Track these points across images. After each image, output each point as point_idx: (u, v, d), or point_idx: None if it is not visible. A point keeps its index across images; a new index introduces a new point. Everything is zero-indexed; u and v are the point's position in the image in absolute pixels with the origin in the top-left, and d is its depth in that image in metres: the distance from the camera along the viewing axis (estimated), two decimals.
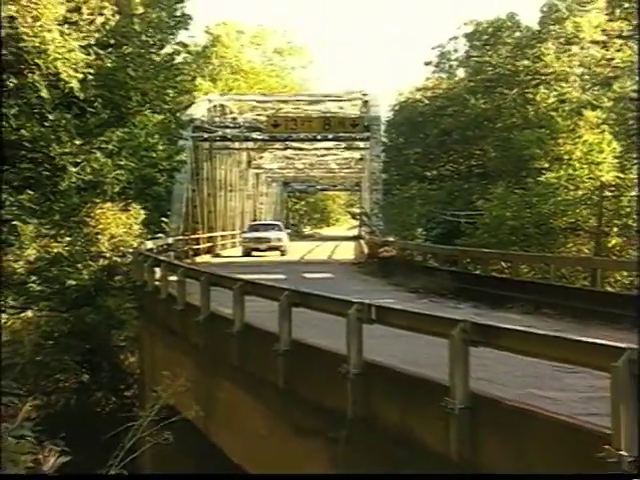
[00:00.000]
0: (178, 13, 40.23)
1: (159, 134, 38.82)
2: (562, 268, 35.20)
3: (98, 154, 33.38)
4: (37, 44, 28.78)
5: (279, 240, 56.77)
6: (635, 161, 44.28)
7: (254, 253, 54.29)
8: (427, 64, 72.10)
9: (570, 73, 58.21)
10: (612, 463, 8.24)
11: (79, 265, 37.51)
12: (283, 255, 55.02)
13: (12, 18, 28.46)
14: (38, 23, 28.74)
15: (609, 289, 30.99)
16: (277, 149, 72.65)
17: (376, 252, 43.02)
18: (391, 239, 44.99)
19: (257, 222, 70.09)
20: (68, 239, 37.61)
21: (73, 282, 36.81)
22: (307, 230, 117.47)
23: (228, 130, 58.08)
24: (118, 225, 39.71)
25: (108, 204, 38.23)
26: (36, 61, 28.95)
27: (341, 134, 57.24)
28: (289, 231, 70.08)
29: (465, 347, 10.70)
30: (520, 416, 9.90)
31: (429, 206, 59.16)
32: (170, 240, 43.50)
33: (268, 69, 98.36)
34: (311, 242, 79.49)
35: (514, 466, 9.75)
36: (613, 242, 43.07)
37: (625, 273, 36.65)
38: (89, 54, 30.29)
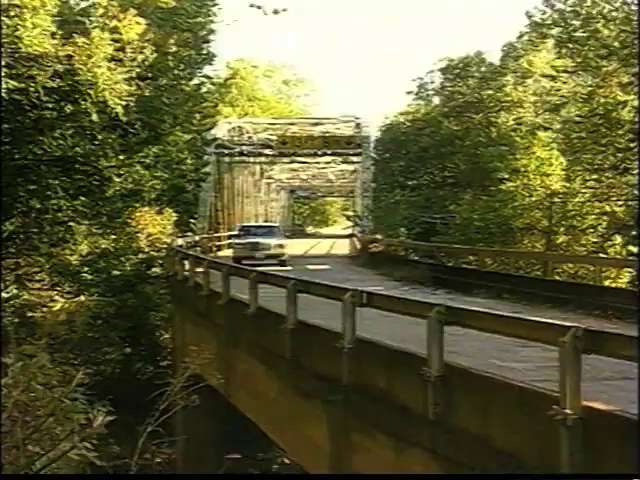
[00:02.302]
0: (204, 52, 40.32)
1: (188, 150, 38.90)
2: (519, 261, 35.19)
3: (138, 167, 33.42)
4: (89, 77, 28.80)
5: (280, 247, 38.89)
6: (579, 173, 44.28)
7: (245, 262, 34.19)
8: (409, 93, 71.96)
9: (525, 101, 58.14)
10: (559, 420, 8.28)
11: (122, 258, 37.66)
12: (283, 266, 35.34)
13: (69, 56, 28.49)
14: (91, 60, 28.75)
15: (557, 278, 30.95)
16: (285, 163, 72.56)
17: (366, 248, 43.03)
18: (379, 237, 44.99)
19: (250, 224, 51.82)
20: (113, 237, 37.76)
21: (118, 272, 36.97)
22: (310, 229, 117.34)
23: (245, 147, 58.06)
24: (154, 225, 39.90)
25: (146, 208, 38.42)
26: (88, 91, 28.96)
27: (338, 150, 57.32)
28: (288, 235, 51.11)
29: (440, 326, 10.72)
30: (485, 382, 9.91)
31: (410, 210, 58.99)
32: (197, 238, 43.48)
33: (278, 97, 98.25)
34: (313, 240, 79.33)
35: (480, 423, 9.75)
36: (561, 239, 43.03)
37: (570, 265, 36.64)
38: (131, 85, 30.29)
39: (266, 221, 70.73)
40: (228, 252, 47.66)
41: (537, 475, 8.54)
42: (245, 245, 38.39)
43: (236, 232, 43.31)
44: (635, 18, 36.60)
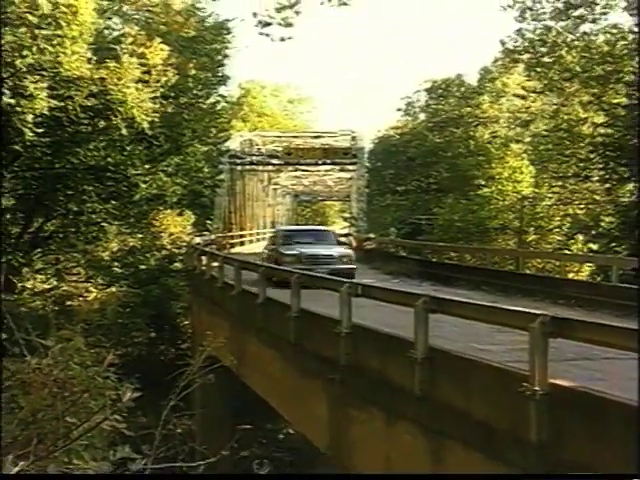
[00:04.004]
0: (219, 74, 40.38)
1: (205, 160, 38.91)
2: (495, 257, 35.18)
3: (161, 174, 33.47)
4: (120, 97, 28.87)
5: (348, 259, 24.93)
6: (546, 180, 44.28)
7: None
8: (398, 110, 71.75)
9: (500, 117, 58.10)
10: (529, 395, 8.29)
11: (148, 254, 37.78)
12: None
13: (102, 79, 28.59)
14: (121, 82, 28.80)
15: (527, 272, 30.91)
16: (290, 171, 72.32)
17: (361, 245, 42.95)
18: (372, 236, 44.99)
19: (295, 228, 40.77)
20: (140, 236, 37.88)
21: (144, 267, 37.08)
22: None
23: (254, 157, 57.91)
24: (175, 226, 39.96)
25: (168, 211, 38.48)
26: (118, 109, 29.01)
27: (336, 160, 57.13)
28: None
29: (425, 314, 10.72)
30: (464, 362, 9.92)
31: (399, 212, 58.96)
32: (213, 237, 43.41)
33: (283, 113, 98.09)
34: None
35: (460, 398, 9.75)
36: (530, 238, 43.02)
37: (539, 260, 36.65)
38: (156, 103, 30.34)
39: (277, 222, 70.26)
40: (240, 249, 47.61)
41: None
42: (299, 258, 23.89)
43: (274, 237, 28.57)
44: (593, 46, 36.70)
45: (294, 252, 24.49)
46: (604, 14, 36.39)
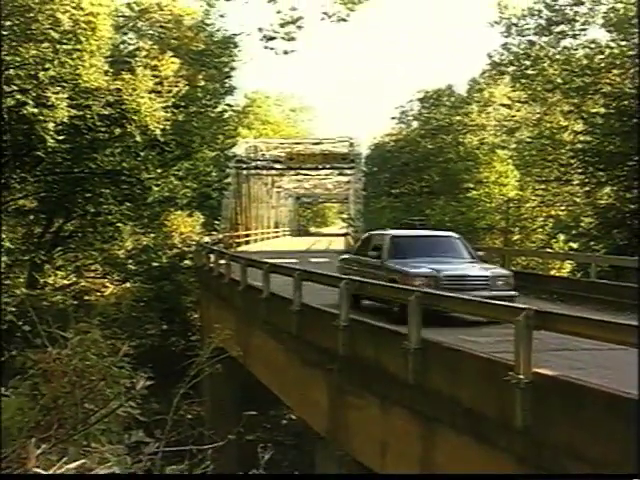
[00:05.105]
0: (227, 85, 40.45)
1: (213, 165, 38.93)
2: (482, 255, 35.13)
3: (172, 178, 33.46)
4: (134, 106, 28.90)
5: (505, 283, 14.79)
6: (530, 184, 44.28)
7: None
8: (393, 118, 71.68)
9: (487, 125, 58.06)
10: (514, 383, 8.30)
11: (160, 253, 37.78)
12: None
13: (118, 89, 28.62)
14: (135, 92, 28.83)
15: (513, 269, 30.90)
16: (292, 175, 72.30)
17: None
18: None
19: (410, 233, 19.62)
20: (153, 235, 37.88)
21: (156, 264, 37.09)
22: (312, 229, 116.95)
23: (259, 162, 57.84)
24: (185, 226, 39.99)
25: (179, 212, 38.50)
26: (133, 117, 29.04)
27: (335, 165, 57.14)
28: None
29: (418, 308, 10.72)
30: (454, 353, 9.92)
31: (394, 213, 58.82)
32: (220, 236, 43.38)
33: (286, 121, 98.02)
34: (314, 238, 79.03)
35: (450, 387, 9.75)
36: (515, 237, 43.09)
37: (523, 257, 36.66)
38: (167, 112, 30.35)
39: (280, 223, 70.13)
40: (246, 247, 47.55)
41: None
42: (436, 279, 14.57)
43: (375, 245, 17.20)
44: (573, 59, 36.73)
45: (426, 270, 14.97)
46: (583, 30, 36.50)
